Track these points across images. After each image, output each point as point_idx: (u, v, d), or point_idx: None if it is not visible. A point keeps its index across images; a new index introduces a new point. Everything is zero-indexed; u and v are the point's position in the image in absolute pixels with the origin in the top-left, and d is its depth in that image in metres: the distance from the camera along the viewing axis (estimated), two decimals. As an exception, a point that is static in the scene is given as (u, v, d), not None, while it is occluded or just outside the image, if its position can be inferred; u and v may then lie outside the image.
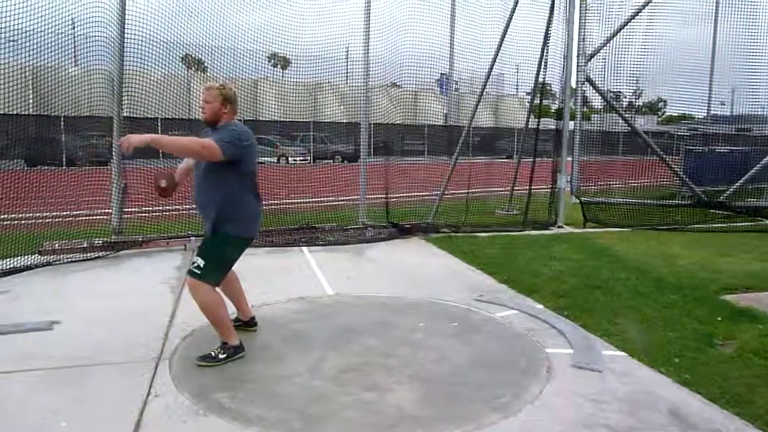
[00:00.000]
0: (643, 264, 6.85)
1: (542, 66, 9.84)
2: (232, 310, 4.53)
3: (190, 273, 3.94)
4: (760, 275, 6.30)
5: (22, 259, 6.46)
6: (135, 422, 3.12)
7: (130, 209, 7.86)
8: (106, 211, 7.67)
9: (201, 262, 3.90)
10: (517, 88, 14.01)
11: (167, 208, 8.15)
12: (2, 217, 6.72)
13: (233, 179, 3.91)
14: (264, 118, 10.52)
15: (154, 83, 7.76)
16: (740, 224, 9.95)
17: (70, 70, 7.41)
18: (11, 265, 6.26)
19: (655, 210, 10.43)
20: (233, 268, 4.35)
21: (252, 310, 4.66)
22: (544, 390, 3.59)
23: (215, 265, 3.96)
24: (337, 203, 10.07)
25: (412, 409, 3.34)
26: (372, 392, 3.54)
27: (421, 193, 10.33)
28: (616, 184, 11.36)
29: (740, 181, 10.81)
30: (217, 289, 4.04)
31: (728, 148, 13.21)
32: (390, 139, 10.58)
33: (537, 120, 10.29)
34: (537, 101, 10.29)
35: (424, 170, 10.77)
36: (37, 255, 6.77)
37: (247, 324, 4.57)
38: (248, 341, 4.23)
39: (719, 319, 4.84)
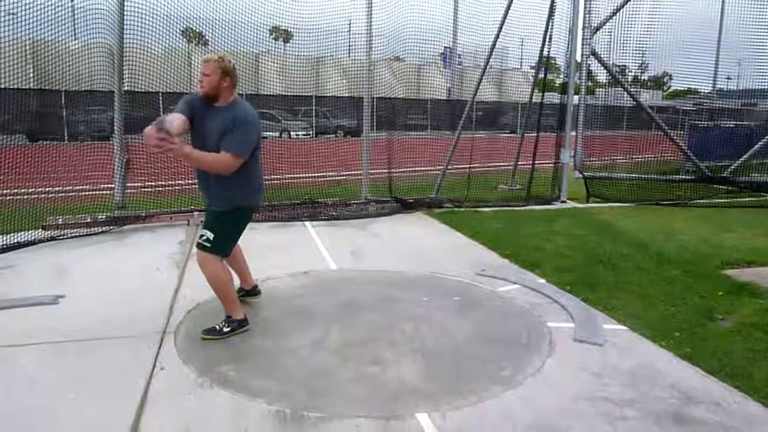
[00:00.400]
0: (645, 239, 6.86)
1: (547, 39, 9.74)
2: (235, 281, 4.57)
3: (200, 246, 3.95)
4: (762, 250, 6.30)
5: (26, 234, 6.49)
6: (141, 395, 3.16)
7: (133, 184, 7.86)
8: (109, 185, 7.68)
9: (210, 234, 3.90)
10: (521, 62, 13.86)
11: (170, 183, 8.16)
12: (5, 192, 6.73)
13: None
14: (266, 93, 10.45)
15: (154, 57, 7.70)
16: (743, 199, 9.94)
17: (70, 44, 7.35)
18: (15, 240, 6.28)
19: (658, 185, 10.40)
20: None
21: (254, 280, 4.70)
22: (545, 363, 3.62)
23: (224, 237, 3.97)
24: (339, 178, 10.06)
25: (415, 382, 3.37)
26: (375, 366, 3.57)
27: (424, 168, 10.30)
28: (619, 159, 11.31)
29: (744, 156, 10.76)
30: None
31: (733, 123, 13.12)
32: (393, 113, 10.51)
33: (541, 94, 10.21)
34: (541, 75, 10.20)
35: (427, 145, 10.72)
36: (40, 230, 6.80)
37: (249, 293, 4.61)
38: (253, 315, 4.26)
39: (720, 293, 4.86)
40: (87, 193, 8.04)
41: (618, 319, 4.37)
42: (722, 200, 9.94)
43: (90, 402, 3.10)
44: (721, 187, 10.40)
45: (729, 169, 10.75)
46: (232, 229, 4.05)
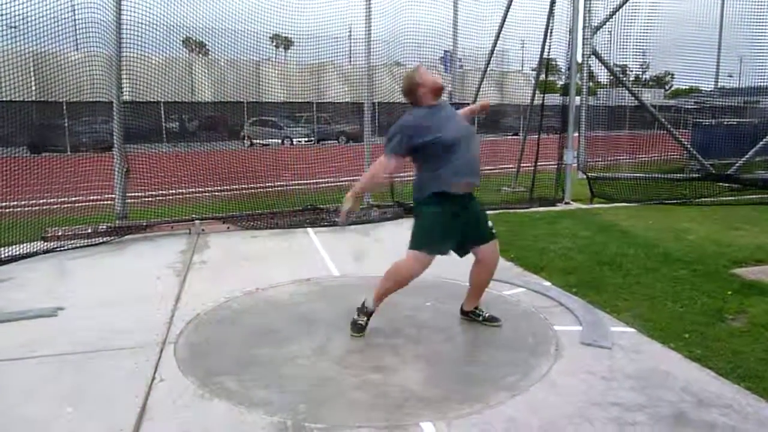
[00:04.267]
0: (651, 239, 6.78)
1: (547, 40, 9.69)
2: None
3: None
4: (771, 248, 6.23)
5: (27, 245, 6.45)
6: (140, 407, 3.10)
7: (134, 194, 7.82)
8: (110, 196, 7.64)
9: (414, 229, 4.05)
10: (522, 64, 13.83)
11: (171, 191, 8.13)
12: (6, 204, 6.71)
13: (420, 165, 4.13)
14: (267, 100, 10.44)
15: (154, 67, 7.68)
16: (749, 197, 9.83)
17: (71, 56, 7.34)
18: (16, 252, 6.25)
19: (663, 184, 10.31)
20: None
21: (477, 303, 4.38)
22: (552, 368, 3.55)
23: (420, 230, 4.08)
24: (341, 183, 10.00)
25: (419, 389, 3.30)
26: (378, 373, 3.51)
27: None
28: (623, 158, 11.23)
29: (749, 154, 10.65)
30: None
31: (736, 120, 13.05)
32: (394, 118, 10.48)
33: (542, 96, 10.15)
34: (542, 77, 10.14)
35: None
36: (41, 241, 6.76)
37: (468, 314, 4.39)
38: (253, 323, 4.21)
39: (729, 293, 4.78)
40: (88, 203, 8.01)
41: (625, 321, 4.29)
42: (728, 198, 9.85)
43: (88, 414, 3.05)
44: (726, 185, 10.30)
45: (734, 167, 10.65)
46: (426, 221, 4.08)
